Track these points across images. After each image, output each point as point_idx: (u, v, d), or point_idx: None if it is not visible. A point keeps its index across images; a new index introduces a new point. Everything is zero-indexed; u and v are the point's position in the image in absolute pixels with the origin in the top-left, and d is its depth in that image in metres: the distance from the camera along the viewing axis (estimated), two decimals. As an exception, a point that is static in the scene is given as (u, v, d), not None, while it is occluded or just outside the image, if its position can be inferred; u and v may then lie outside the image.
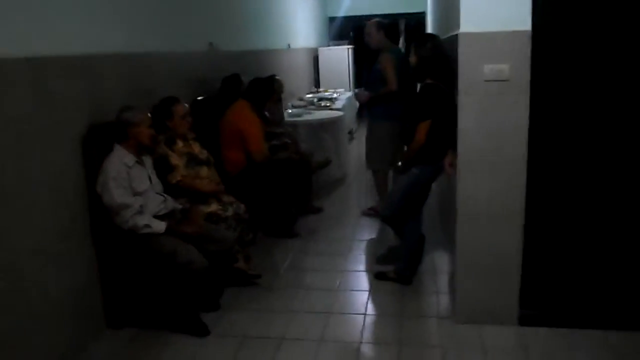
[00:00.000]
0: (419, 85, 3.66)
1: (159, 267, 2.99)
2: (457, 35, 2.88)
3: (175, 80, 4.14)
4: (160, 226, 2.99)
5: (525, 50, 2.78)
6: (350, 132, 8.65)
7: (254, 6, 6.42)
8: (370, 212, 5.20)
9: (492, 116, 2.86)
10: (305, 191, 5.26)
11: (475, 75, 2.83)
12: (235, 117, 4.38)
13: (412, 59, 3.38)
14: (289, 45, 8.05)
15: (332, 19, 11.92)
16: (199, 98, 4.45)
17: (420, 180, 3.42)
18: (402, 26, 11.82)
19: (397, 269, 3.71)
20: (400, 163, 3.50)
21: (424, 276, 3.80)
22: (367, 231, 4.83)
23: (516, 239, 2.99)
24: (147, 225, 2.95)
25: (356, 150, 8.00)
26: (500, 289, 3.06)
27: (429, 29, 9.03)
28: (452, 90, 3.23)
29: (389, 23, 4.98)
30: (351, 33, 11.89)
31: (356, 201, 5.82)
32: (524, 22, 2.76)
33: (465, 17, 2.80)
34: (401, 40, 11.37)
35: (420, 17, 11.13)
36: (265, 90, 4.62)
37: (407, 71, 4.65)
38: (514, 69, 2.79)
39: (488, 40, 2.79)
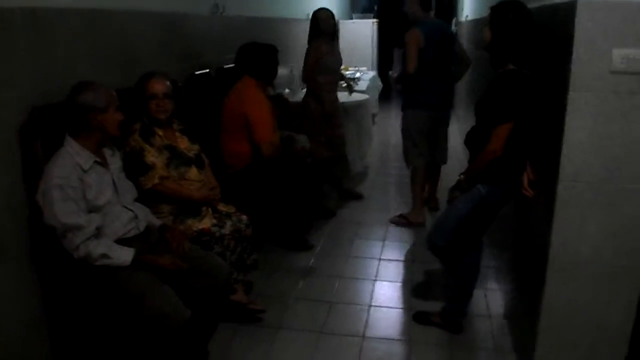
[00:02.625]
0: (489, 71, 2.71)
1: (122, 313, 2.11)
2: (571, 3, 1.94)
3: (165, 49, 3.21)
4: (124, 256, 2.10)
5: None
6: (373, 117, 7.68)
7: (271, -34, 5.44)
8: (401, 221, 4.30)
9: (618, 126, 1.95)
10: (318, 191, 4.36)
11: (598, 63, 1.92)
12: (240, 98, 3.44)
13: (485, 35, 2.44)
14: (308, 16, 7.06)
15: (355, -10, 10.89)
16: (197, 72, 3.53)
17: (488, 203, 2.49)
18: None
19: (444, 312, 2.83)
20: (460, 177, 2.57)
21: (476, 321, 2.91)
22: (398, 248, 3.92)
23: (627, 305, 2.09)
24: (105, 255, 2.06)
25: (378, 137, 7.06)
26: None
27: (465, 5, 8.00)
28: (541, 80, 2.31)
29: None
30: (375, 7, 10.85)
31: (381, 203, 4.86)
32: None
33: (591, -25, 1.86)
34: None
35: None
36: (272, 62, 3.64)
37: (445, 48, 3.99)
38: (658, 58, 1.87)
39: (623, 14, 1.86)
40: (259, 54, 3.54)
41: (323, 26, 4.45)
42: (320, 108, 4.45)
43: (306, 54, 4.49)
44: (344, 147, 4.71)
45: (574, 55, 1.92)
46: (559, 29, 2.10)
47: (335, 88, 4.65)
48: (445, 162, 4.43)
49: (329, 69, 4.47)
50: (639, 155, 1.95)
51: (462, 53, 4.18)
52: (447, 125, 4.32)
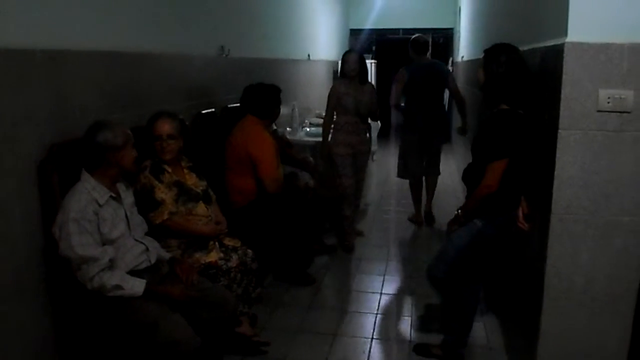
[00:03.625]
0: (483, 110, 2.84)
1: (134, 341, 2.18)
2: (558, 46, 2.08)
3: (174, 89, 3.36)
4: (136, 287, 2.18)
5: (658, 72, 1.98)
6: (372, 155, 7.81)
7: (272, 11, 5.65)
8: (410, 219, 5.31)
9: (605, 161, 2.07)
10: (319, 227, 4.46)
11: (585, 103, 2.05)
12: (245, 136, 3.57)
13: (480, 76, 2.58)
14: (309, 56, 7.28)
15: (354, 32, 11.14)
16: (204, 111, 3.66)
17: (484, 236, 2.59)
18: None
19: (444, 343, 2.89)
20: (458, 211, 2.67)
21: (475, 352, 2.96)
22: (399, 282, 3.99)
23: (621, 332, 2.17)
24: (119, 286, 2.14)
25: (377, 175, 7.18)
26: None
27: (461, 46, 8.26)
28: (533, 119, 2.43)
29: (416, 37, 5.03)
30: (373, 47, 11.12)
31: (380, 239, 4.94)
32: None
33: (577, 21, 2.00)
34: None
35: (448, 34, 10.36)
36: (275, 101, 3.75)
37: (431, 85, 4.84)
38: (641, 98, 2.00)
39: (608, 56, 2.00)
40: (263, 94, 3.68)
41: (346, 68, 4.52)
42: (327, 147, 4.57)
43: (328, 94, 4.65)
44: (349, 190, 4.58)
45: (563, 96, 2.05)
46: (548, 71, 2.23)
47: (354, 129, 4.52)
48: (435, 174, 5.23)
49: (346, 109, 4.47)
50: (626, 189, 2.06)
51: (455, 92, 4.90)
52: (436, 144, 5.08)
